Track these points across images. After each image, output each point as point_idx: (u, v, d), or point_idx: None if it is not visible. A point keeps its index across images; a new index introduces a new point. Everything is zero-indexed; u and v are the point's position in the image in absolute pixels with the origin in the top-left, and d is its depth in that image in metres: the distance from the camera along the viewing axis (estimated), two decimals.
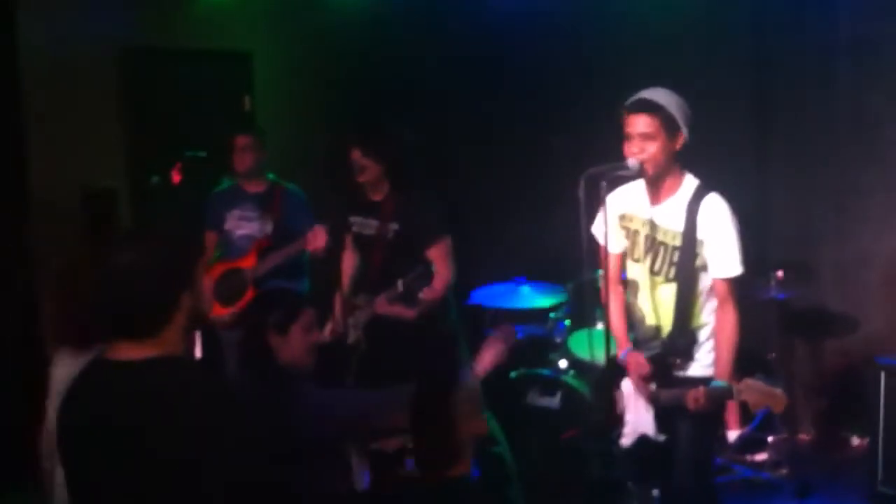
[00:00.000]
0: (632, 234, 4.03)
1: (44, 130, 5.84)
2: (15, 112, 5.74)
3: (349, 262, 5.21)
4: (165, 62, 6.55)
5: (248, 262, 5.59)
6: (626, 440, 4.02)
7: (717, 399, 3.78)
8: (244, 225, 5.70)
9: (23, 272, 5.78)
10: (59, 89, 5.92)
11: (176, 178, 6.21)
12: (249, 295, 5.60)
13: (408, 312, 4.75)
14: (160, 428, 2.35)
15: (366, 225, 5.03)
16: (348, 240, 5.18)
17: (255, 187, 5.73)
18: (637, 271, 4.04)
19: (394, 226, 4.93)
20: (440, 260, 4.85)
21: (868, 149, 5.94)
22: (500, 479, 4.41)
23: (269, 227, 5.65)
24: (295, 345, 3.40)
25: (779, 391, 3.63)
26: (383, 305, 4.78)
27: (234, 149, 5.67)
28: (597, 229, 3.94)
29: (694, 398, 3.72)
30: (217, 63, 6.81)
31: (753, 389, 3.66)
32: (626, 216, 4.05)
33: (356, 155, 4.88)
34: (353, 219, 5.07)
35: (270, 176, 5.78)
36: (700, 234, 3.82)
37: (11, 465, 5.47)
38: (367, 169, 4.89)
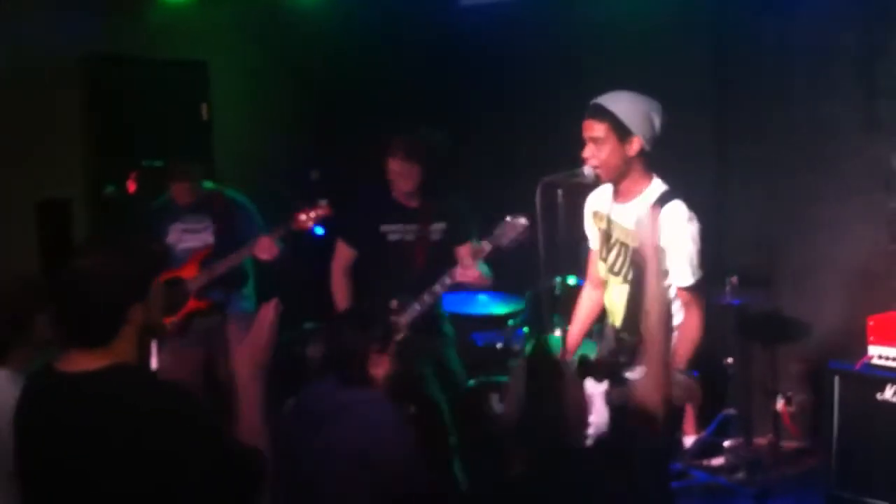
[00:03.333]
0: (600, 233, 4.08)
1: None
2: None
3: (346, 275, 5.20)
4: (122, 70, 6.48)
5: (188, 272, 5.53)
6: (589, 441, 4.02)
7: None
8: (188, 238, 5.62)
9: None
10: (15, 97, 5.84)
11: (131, 187, 6.15)
12: (191, 305, 5.54)
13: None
14: (112, 434, 2.35)
15: (405, 231, 5.07)
16: (354, 249, 5.18)
17: (191, 198, 5.63)
18: (603, 269, 4.08)
19: (440, 225, 5.05)
20: (468, 258, 4.91)
21: (823, 157, 6.01)
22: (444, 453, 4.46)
23: (210, 239, 5.60)
24: (386, 365, 3.47)
25: (692, 383, 3.54)
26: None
27: (174, 183, 5.61)
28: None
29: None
30: (174, 71, 6.75)
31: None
32: (597, 214, 4.11)
33: (397, 164, 4.94)
34: (386, 227, 5.06)
35: (208, 185, 5.72)
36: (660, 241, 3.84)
37: None
38: (410, 175, 4.96)
